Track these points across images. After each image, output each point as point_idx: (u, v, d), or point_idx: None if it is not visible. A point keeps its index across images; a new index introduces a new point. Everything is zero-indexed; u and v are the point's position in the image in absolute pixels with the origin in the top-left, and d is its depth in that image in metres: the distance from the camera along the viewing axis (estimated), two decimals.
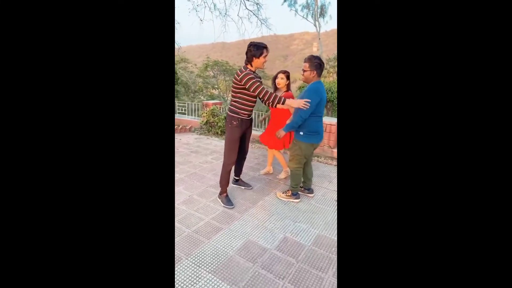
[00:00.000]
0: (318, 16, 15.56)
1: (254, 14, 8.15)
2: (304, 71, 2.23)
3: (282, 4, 15.72)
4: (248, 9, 8.05)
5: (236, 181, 2.81)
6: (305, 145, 2.33)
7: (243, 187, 2.78)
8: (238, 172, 2.76)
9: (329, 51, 16.13)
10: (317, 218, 2.30)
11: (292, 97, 2.63)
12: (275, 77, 2.75)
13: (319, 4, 15.54)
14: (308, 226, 2.17)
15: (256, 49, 2.12)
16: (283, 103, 2.09)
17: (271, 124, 2.93)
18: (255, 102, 2.32)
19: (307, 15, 15.92)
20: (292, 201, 2.52)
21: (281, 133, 2.34)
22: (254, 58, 2.15)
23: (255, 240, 1.94)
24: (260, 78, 2.33)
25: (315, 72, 2.21)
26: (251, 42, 2.18)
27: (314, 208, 2.46)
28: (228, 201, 2.42)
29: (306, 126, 2.25)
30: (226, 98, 13.77)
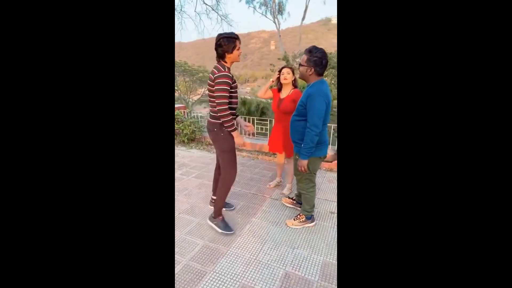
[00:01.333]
0: (276, 13, 15.50)
1: (213, 10, 7.61)
2: (300, 65, 1.78)
3: (240, 1, 15.32)
4: (206, 4, 7.47)
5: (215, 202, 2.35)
6: (313, 160, 1.89)
7: (224, 208, 2.34)
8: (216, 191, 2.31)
9: (287, 49, 16.11)
10: (316, 238, 1.97)
11: (300, 95, 2.19)
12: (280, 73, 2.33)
13: (276, 1, 15.48)
14: (309, 251, 1.82)
15: (227, 43, 1.71)
16: (231, 131, 1.85)
17: (276, 127, 2.47)
18: (238, 97, 1.93)
19: (265, 12, 15.76)
20: (308, 226, 2.11)
21: (303, 163, 1.82)
22: (227, 54, 1.75)
23: (251, 285, 1.52)
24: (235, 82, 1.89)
25: (312, 69, 1.71)
26: (219, 34, 1.75)
27: None
28: (226, 225, 2.02)
29: None
30: (188, 100, 13.02)
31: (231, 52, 1.74)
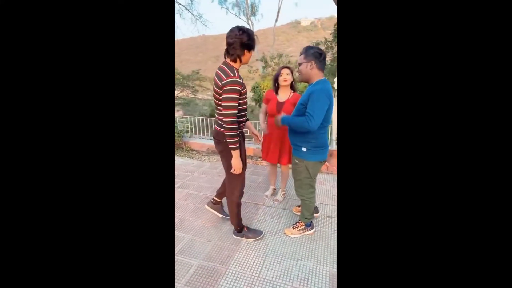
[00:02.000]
0: (250, 14, 15.46)
1: (186, 9, 7.30)
2: (299, 64, 1.66)
3: (212, 2, 15.04)
4: (179, 3, 7.15)
5: (215, 204, 2.15)
6: (313, 164, 1.77)
7: (221, 215, 2.16)
8: (222, 194, 2.11)
9: (260, 50, 16.07)
10: (319, 247, 1.86)
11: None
12: (278, 75, 2.17)
13: (249, 2, 15.42)
14: (314, 262, 1.71)
15: (248, 39, 1.46)
16: (233, 149, 1.59)
17: (275, 133, 2.25)
18: (247, 102, 1.72)
19: (239, 14, 15.63)
20: (308, 234, 1.99)
21: (278, 120, 1.80)
22: (246, 52, 1.50)
23: None
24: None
25: (313, 62, 1.60)
26: (237, 27, 1.48)
27: None
28: (254, 232, 1.96)
29: (311, 139, 1.70)
30: None
31: (250, 51, 1.52)
